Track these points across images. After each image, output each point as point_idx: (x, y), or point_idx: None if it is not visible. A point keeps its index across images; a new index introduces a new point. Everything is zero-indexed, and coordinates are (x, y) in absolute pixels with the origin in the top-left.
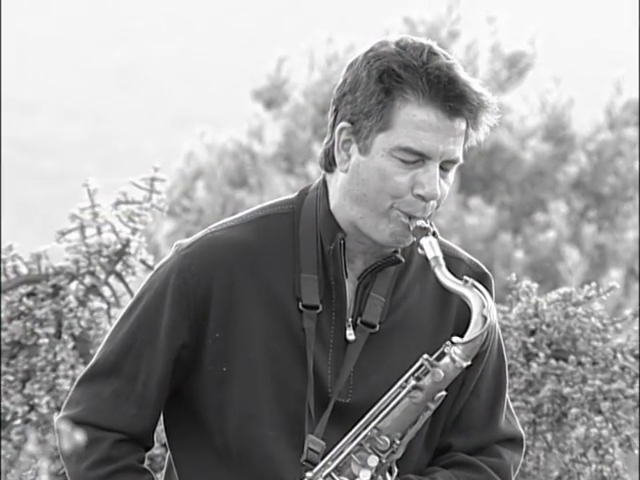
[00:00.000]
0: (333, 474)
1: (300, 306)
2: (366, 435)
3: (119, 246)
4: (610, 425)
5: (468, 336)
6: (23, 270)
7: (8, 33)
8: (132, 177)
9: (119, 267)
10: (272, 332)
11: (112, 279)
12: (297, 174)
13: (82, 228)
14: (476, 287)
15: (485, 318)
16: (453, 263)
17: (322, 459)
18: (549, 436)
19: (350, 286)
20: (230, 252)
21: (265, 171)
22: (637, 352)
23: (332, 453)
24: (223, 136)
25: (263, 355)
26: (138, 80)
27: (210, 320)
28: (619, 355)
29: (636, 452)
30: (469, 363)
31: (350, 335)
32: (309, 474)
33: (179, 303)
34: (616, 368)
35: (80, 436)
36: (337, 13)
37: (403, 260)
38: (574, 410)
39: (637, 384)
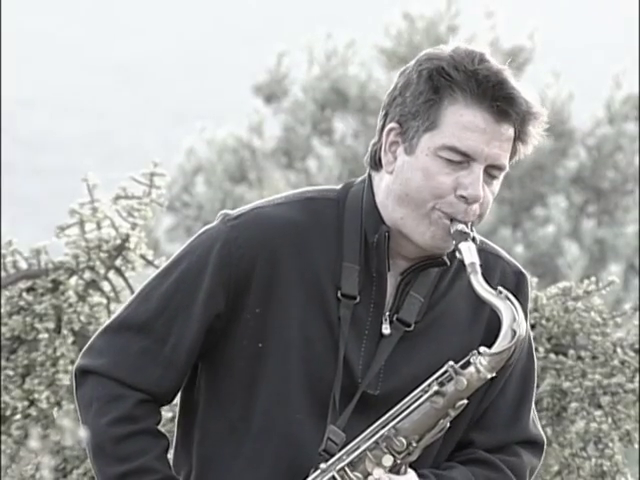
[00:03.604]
0: (347, 469)
1: (339, 294)
2: (383, 434)
3: (119, 241)
4: (610, 419)
5: (496, 348)
6: (23, 265)
7: (8, 29)
8: (132, 172)
9: (119, 262)
10: (309, 315)
11: (112, 274)
12: (297, 169)
13: (81, 223)
14: (509, 299)
15: (514, 332)
16: (491, 260)
17: (340, 451)
18: (549, 430)
19: (391, 281)
20: (277, 230)
21: (265, 166)
22: (637, 346)
23: (348, 447)
24: (223, 131)
25: (298, 337)
26: (138, 75)
27: (250, 295)
28: (619, 349)
29: (636, 446)
30: (494, 375)
31: (386, 329)
32: (323, 465)
33: (220, 273)
34: (616, 362)
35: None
36: (336, 8)
37: (448, 263)
38: (574, 404)
39: (637, 378)
